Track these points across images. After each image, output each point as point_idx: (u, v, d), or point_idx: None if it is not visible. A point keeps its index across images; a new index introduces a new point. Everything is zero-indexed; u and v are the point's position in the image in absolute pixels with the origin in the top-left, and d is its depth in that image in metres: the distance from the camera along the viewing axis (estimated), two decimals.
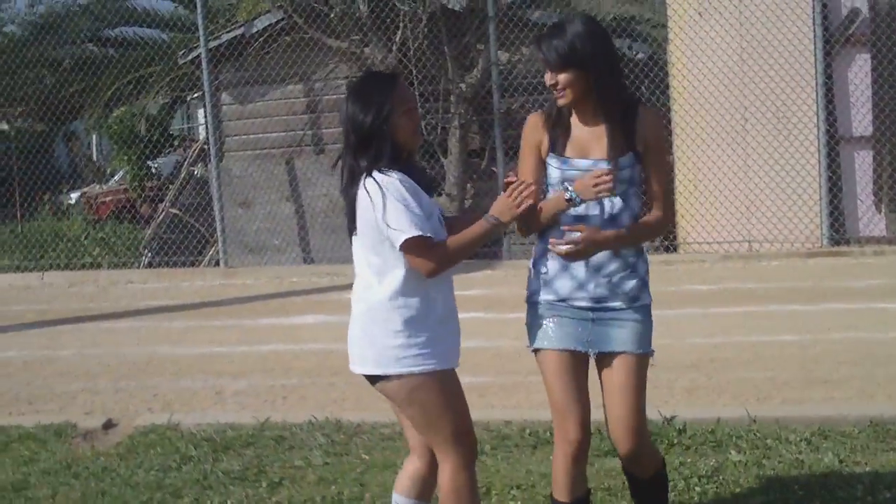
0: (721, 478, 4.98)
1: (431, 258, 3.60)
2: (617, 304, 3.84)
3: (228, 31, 14.33)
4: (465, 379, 7.25)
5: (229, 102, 14.62)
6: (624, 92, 3.85)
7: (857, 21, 12.23)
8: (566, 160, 3.84)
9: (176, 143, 18.90)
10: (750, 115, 12.30)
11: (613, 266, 3.83)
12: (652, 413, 5.91)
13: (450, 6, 13.07)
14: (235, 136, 14.69)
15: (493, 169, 13.17)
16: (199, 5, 13.49)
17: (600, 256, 3.80)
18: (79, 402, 7.21)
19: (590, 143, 3.82)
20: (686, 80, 12.42)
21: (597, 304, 3.84)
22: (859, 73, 12.26)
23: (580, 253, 3.73)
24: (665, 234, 3.86)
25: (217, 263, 13.80)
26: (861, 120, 12.30)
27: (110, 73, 15.97)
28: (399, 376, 3.69)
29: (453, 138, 13.17)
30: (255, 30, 14.12)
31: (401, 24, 13.03)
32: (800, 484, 4.83)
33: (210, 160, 14.03)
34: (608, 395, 3.90)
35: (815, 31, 12.07)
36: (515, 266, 12.14)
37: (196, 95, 17.19)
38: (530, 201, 3.61)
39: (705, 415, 5.95)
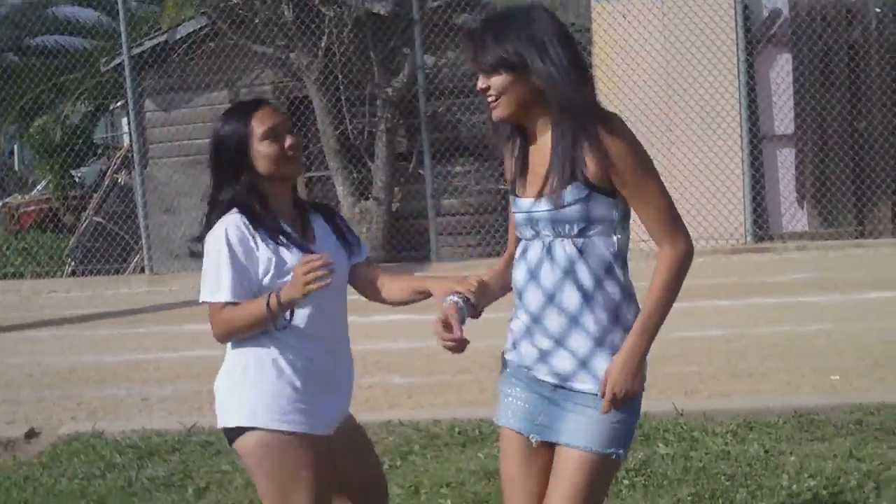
0: (649, 470, 5.00)
1: (212, 324, 3.17)
2: (585, 386, 2.89)
3: (151, 38, 14.16)
4: (394, 380, 7.31)
5: (153, 109, 14.42)
6: (584, 106, 2.87)
7: (779, 21, 12.46)
8: (515, 200, 2.95)
9: (100, 151, 18.65)
10: (674, 115, 12.44)
11: (580, 339, 2.88)
12: None
13: (375, 11, 13.05)
14: (160, 142, 14.50)
15: (420, 172, 13.16)
16: (121, 11, 13.51)
17: (562, 323, 2.89)
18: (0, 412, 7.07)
19: (535, 176, 2.89)
20: (611, 82, 12.50)
21: (560, 382, 2.92)
22: (781, 72, 12.49)
23: (617, 403, 2.86)
24: (690, 262, 2.91)
25: (142, 270, 13.66)
26: (783, 118, 12.52)
27: (30, 80, 15.73)
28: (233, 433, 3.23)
29: (380, 142, 13.13)
30: (178, 36, 13.98)
31: (326, 30, 12.97)
32: (726, 475, 4.86)
33: (134, 167, 13.87)
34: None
35: (737, 32, 12.29)
36: (443, 269, 12.16)
37: (119, 104, 16.96)
38: (324, 282, 2.94)
39: None
